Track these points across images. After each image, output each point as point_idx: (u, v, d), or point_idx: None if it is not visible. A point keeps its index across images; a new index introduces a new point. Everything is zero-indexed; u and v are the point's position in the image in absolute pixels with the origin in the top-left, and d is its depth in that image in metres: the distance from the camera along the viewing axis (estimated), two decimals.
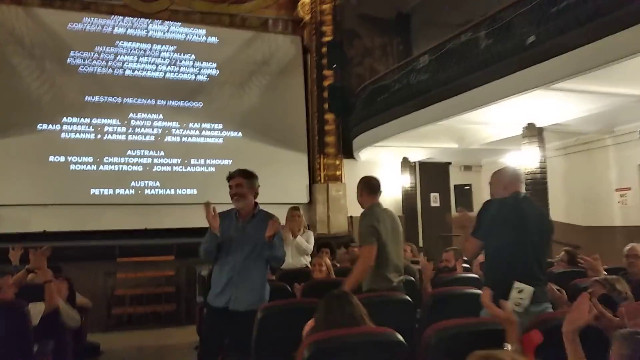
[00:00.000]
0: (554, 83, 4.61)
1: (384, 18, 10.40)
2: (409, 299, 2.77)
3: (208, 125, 9.07)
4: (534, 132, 6.65)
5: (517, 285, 2.50)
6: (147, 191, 8.47)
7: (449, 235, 9.99)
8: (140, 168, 8.50)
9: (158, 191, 8.52)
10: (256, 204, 3.19)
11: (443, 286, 3.43)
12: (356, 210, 9.94)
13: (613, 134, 7.18)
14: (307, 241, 4.99)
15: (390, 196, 9.34)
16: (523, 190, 2.78)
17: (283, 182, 9.27)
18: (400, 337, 1.77)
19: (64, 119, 8.16)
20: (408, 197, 9.69)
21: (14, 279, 3.32)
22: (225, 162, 8.85)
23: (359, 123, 8.63)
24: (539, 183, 6.65)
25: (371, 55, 10.29)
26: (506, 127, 6.96)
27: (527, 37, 4.79)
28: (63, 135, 8.15)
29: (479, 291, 2.91)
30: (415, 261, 4.69)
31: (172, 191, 8.54)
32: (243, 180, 3.11)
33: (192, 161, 8.82)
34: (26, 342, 2.78)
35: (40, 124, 8.03)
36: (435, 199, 10.41)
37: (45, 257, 3.45)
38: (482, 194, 10.29)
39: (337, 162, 9.77)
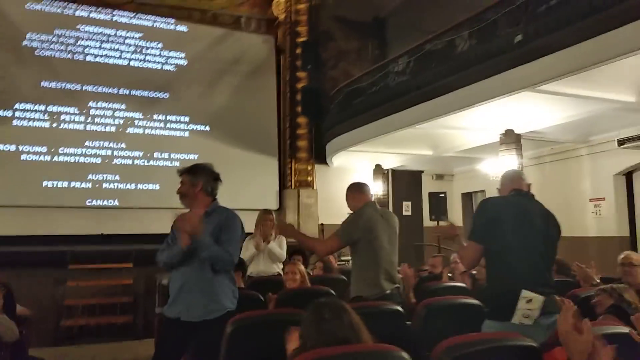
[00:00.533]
0: (542, 84, 4.44)
1: (360, 21, 10.21)
2: (400, 309, 2.45)
3: (173, 118, 8.63)
4: (511, 139, 6.50)
5: (525, 294, 2.21)
6: (105, 185, 7.92)
7: (422, 245, 9.82)
8: (99, 160, 7.97)
9: (117, 185, 7.97)
10: (214, 200, 2.80)
11: (430, 295, 3.13)
12: (328, 217, 9.70)
13: (588, 143, 7.14)
14: (279, 247, 4.62)
15: None
16: (526, 189, 2.52)
17: (252, 187, 8.90)
18: (407, 356, 1.43)
19: (17, 105, 7.56)
20: (380, 205, 9.42)
21: None
22: (191, 156, 8.44)
23: (333, 126, 8.34)
24: None
25: (346, 59, 10.06)
26: (483, 134, 6.81)
27: (513, 36, 4.61)
28: (15, 122, 7.53)
29: (474, 301, 2.63)
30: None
31: (133, 185, 8.01)
32: (186, 177, 2.75)
33: (156, 154, 8.34)
34: None
35: None
36: (407, 208, 10.23)
37: None
38: (455, 203, 10.19)
39: (309, 168, 9.48)
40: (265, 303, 3.07)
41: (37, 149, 7.58)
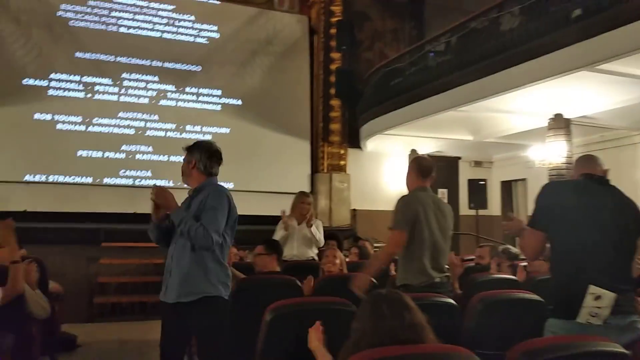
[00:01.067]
0: (602, 63, 4.08)
1: (397, 0, 9.82)
2: (454, 302, 2.24)
3: (206, 91, 8.53)
4: (561, 124, 6.13)
5: (594, 289, 1.94)
6: (138, 156, 7.94)
7: (458, 234, 9.51)
8: (132, 131, 7.97)
9: (150, 157, 7.99)
10: (209, 177, 2.67)
11: (478, 288, 2.90)
12: (361, 203, 9.48)
13: None
14: (317, 231, 4.44)
15: (396, 190, 8.80)
16: (600, 174, 2.23)
17: (283, 170, 8.76)
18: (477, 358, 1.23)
19: (52, 75, 7.61)
20: None
21: None
22: (223, 130, 8.42)
23: (368, 109, 8.08)
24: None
25: (382, 39, 9.72)
26: (530, 118, 6.44)
27: (570, 11, 4.24)
28: (50, 92, 7.58)
29: (535, 297, 2.39)
30: None
31: (165, 157, 7.98)
32: (186, 155, 2.70)
33: (188, 127, 8.30)
34: None
35: (26, 79, 7.46)
36: (443, 195, 9.88)
37: (9, 229, 2.88)
38: (493, 192, 9.80)
39: (342, 152, 9.26)
40: (301, 289, 2.90)
41: (72, 118, 7.61)
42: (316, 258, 4.52)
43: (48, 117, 7.50)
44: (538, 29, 4.61)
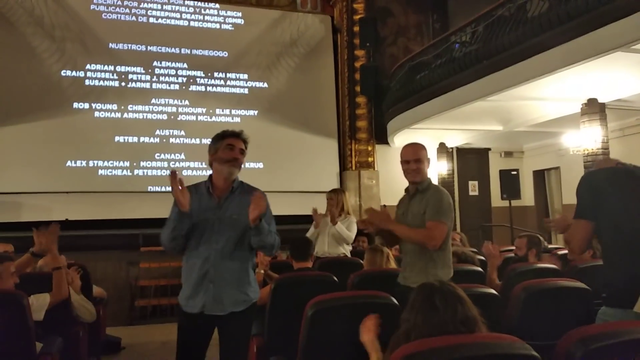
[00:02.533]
0: (638, 42, 3.94)
1: None
2: (496, 293, 2.21)
3: (233, 75, 8.81)
4: (595, 109, 5.94)
5: None
6: (172, 140, 8.27)
7: (490, 225, 9.35)
8: (164, 117, 8.33)
9: (183, 140, 8.31)
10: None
11: (518, 278, 2.84)
12: (390, 199, 9.45)
13: None
14: (347, 228, 4.45)
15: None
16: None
17: (312, 169, 8.82)
18: (532, 350, 1.21)
19: (88, 66, 8.03)
20: (445, 185, 9.02)
21: (16, 264, 2.86)
22: (251, 112, 8.72)
23: (394, 104, 8.02)
24: None
25: (405, 34, 9.64)
26: (562, 104, 6.27)
27: None
28: (87, 82, 8.01)
29: (580, 284, 2.34)
30: (473, 251, 4.12)
31: (197, 140, 8.28)
32: (242, 144, 2.41)
33: (217, 111, 8.61)
34: (26, 340, 2.32)
35: (64, 71, 7.88)
36: (474, 187, 9.75)
37: (53, 237, 3.00)
38: (525, 182, 9.58)
39: (370, 148, 9.23)
40: (338, 284, 2.91)
41: (108, 106, 8.02)
42: (348, 254, 4.53)
43: (86, 105, 7.92)
44: (569, 12, 4.48)
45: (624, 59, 4.46)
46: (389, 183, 8.93)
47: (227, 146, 2.36)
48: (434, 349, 1.17)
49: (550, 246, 4.59)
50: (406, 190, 2.84)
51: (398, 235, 2.59)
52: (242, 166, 2.40)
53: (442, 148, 9.16)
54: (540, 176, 9.81)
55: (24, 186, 7.34)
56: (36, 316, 2.61)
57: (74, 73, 7.93)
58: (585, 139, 6.01)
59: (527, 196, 9.63)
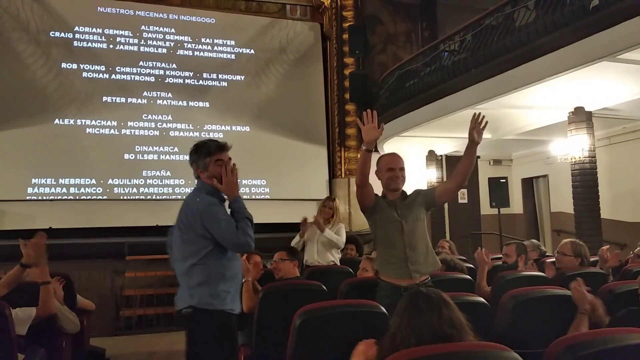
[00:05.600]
0: (623, 52, 3.99)
1: (408, 3, 9.80)
2: (484, 301, 2.19)
3: (220, 42, 8.92)
4: (582, 117, 6.00)
5: None
6: (159, 101, 8.34)
7: (479, 233, 9.37)
8: (152, 79, 8.40)
9: (170, 102, 8.39)
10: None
11: (507, 285, 2.84)
12: None
13: None
14: (337, 234, 4.42)
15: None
16: None
17: (301, 177, 8.79)
18: (520, 358, 1.19)
19: (76, 28, 8.13)
20: None
21: (6, 277, 2.79)
22: (238, 77, 8.83)
23: (384, 112, 8.02)
24: (588, 174, 5.99)
25: (395, 42, 9.69)
26: (550, 112, 6.33)
27: (588, 2, 4.17)
28: (75, 43, 8.08)
29: (567, 292, 2.33)
30: (461, 259, 4.11)
31: (185, 103, 8.44)
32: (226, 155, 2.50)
33: (205, 75, 8.68)
34: (7, 351, 2.25)
35: (53, 32, 7.97)
36: (463, 195, 9.78)
37: (41, 247, 2.92)
38: (514, 190, 9.65)
39: (359, 156, 9.20)
40: (327, 293, 2.87)
41: (96, 67, 8.10)
42: (337, 262, 4.50)
43: (74, 66, 7.98)
44: (555, 22, 4.53)
45: (610, 68, 4.51)
46: (379, 191, 8.90)
47: (217, 162, 2.41)
48: (422, 358, 1.14)
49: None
50: (384, 197, 2.86)
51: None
52: None
53: (432, 156, 9.19)
54: (528, 184, 9.88)
55: (6, 194, 7.21)
56: (19, 330, 2.54)
57: (61, 35, 8.02)
58: (573, 147, 6.06)
59: (516, 204, 9.70)
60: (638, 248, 3.78)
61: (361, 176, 2.62)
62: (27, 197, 7.32)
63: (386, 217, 2.76)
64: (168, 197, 8.01)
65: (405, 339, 1.30)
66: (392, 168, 2.78)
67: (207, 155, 2.41)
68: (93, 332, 4.80)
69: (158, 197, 7.98)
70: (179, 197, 8.05)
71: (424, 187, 8.78)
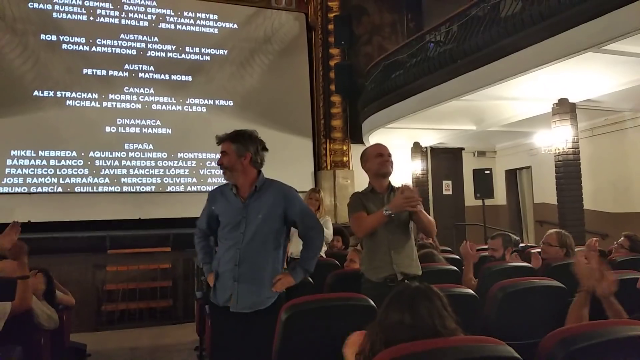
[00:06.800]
0: (609, 43, 3.99)
1: None
2: (474, 293, 2.17)
3: (203, 15, 8.84)
4: (565, 109, 6.03)
5: None
6: (140, 75, 8.23)
7: (463, 225, 9.43)
8: (134, 52, 8.29)
9: (152, 75, 8.30)
10: (259, 173, 2.41)
11: (493, 277, 2.82)
12: None
13: None
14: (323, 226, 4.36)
15: (401, 183, 8.73)
16: None
17: (286, 169, 8.62)
18: (513, 351, 1.16)
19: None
20: (419, 184, 9.08)
21: None
22: (220, 51, 8.76)
23: (369, 103, 8.00)
24: (571, 165, 6.03)
25: (380, 33, 9.64)
26: (534, 104, 6.35)
27: None
28: (54, 15, 7.91)
29: (555, 282, 2.32)
30: (446, 249, 4.10)
31: (167, 76, 8.35)
32: (230, 146, 2.32)
33: (187, 49, 8.60)
34: None
35: (31, 3, 7.80)
36: (447, 187, 9.84)
37: (15, 236, 2.81)
38: (498, 181, 9.71)
39: (344, 148, 9.20)
40: (314, 286, 2.83)
41: (76, 39, 7.94)
42: (324, 255, 4.45)
43: (54, 37, 7.84)
44: (541, 13, 4.52)
45: (595, 59, 4.52)
46: (364, 183, 8.83)
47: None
48: (412, 353, 1.10)
49: (521, 245, 4.64)
50: (372, 190, 2.79)
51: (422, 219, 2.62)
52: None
53: (417, 147, 9.19)
54: (512, 175, 9.95)
55: None
56: None
57: (41, 6, 7.86)
58: (556, 139, 6.09)
59: (500, 195, 9.77)
60: (622, 238, 3.80)
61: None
62: (6, 169, 7.22)
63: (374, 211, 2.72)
64: (151, 189, 7.89)
65: (393, 333, 1.26)
66: (381, 154, 2.76)
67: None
68: (74, 327, 4.70)
69: (141, 190, 7.85)
70: (161, 189, 7.94)
71: (409, 180, 8.90)
